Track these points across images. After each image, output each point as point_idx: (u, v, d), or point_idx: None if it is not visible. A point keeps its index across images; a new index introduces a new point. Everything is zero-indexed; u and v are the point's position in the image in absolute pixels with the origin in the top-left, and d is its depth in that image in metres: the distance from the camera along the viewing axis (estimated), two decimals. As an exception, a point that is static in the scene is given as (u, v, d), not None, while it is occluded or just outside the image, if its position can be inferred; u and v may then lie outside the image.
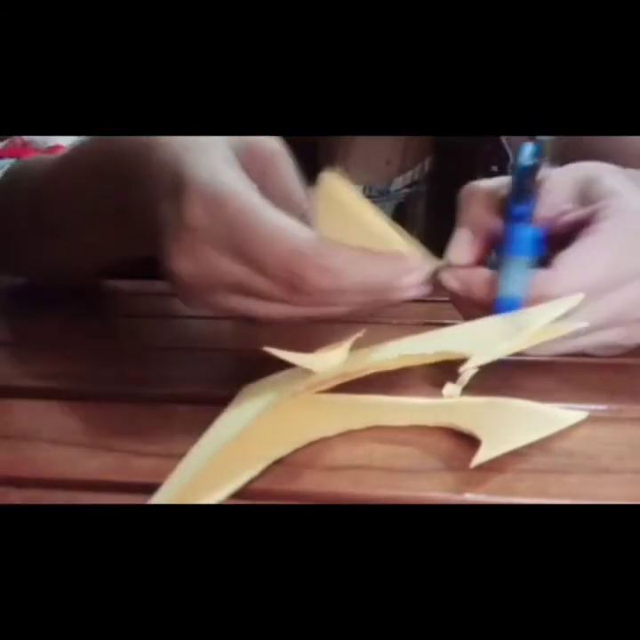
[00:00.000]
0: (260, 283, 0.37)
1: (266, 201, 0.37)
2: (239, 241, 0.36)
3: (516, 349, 0.37)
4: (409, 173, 0.70)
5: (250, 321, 0.39)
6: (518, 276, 0.39)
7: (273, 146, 0.40)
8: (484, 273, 0.40)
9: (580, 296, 0.38)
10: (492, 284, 0.40)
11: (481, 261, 0.42)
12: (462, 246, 0.42)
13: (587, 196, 0.41)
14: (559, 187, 0.41)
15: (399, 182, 0.70)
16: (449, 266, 0.41)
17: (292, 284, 0.36)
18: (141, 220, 0.40)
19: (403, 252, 0.37)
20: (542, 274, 0.39)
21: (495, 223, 0.41)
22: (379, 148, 0.67)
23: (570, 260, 0.38)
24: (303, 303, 0.37)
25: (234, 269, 0.37)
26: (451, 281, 0.40)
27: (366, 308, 0.38)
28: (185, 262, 0.38)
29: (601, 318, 0.39)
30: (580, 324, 0.38)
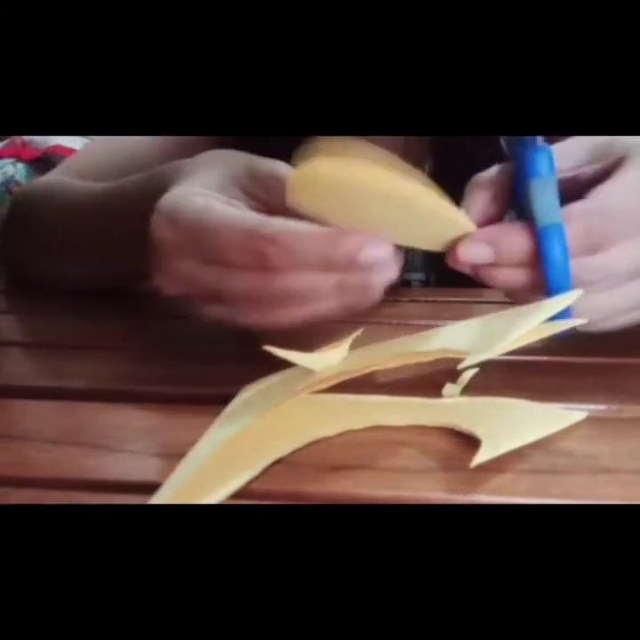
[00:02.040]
0: (231, 279, 0.38)
1: (232, 207, 0.39)
2: (200, 243, 0.38)
3: (515, 347, 0.37)
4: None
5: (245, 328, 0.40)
6: (551, 200, 0.36)
7: (274, 165, 0.43)
8: (508, 225, 0.39)
9: (579, 292, 0.38)
10: (524, 234, 0.37)
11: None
12: (478, 205, 0.41)
13: (605, 154, 0.41)
14: (577, 148, 0.41)
15: None
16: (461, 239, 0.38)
17: (257, 263, 0.37)
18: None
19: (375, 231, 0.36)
20: (578, 204, 0.37)
21: (504, 185, 0.41)
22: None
23: (602, 189, 0.38)
24: (276, 289, 0.37)
25: (207, 274, 0.39)
26: (473, 249, 0.38)
27: (341, 302, 0.38)
28: (165, 279, 0.41)
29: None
30: (579, 321, 0.38)
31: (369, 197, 0.36)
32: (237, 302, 0.39)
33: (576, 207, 0.38)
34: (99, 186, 0.59)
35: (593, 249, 0.38)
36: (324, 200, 0.36)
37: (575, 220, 0.37)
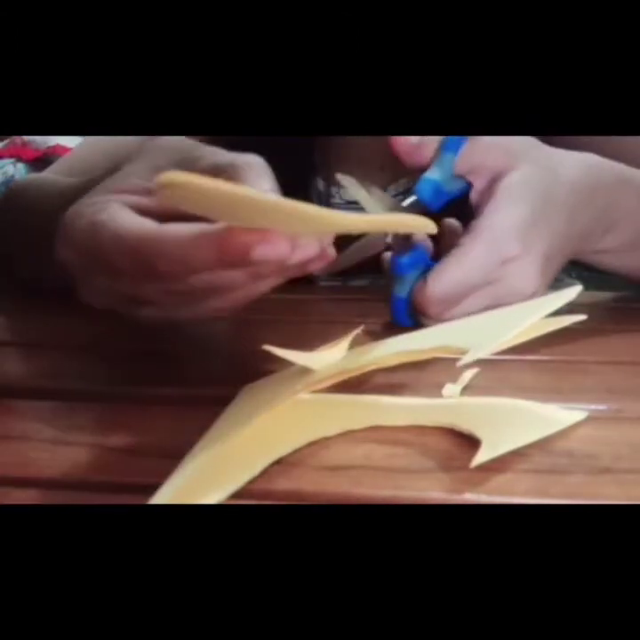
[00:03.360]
0: (142, 288, 0.38)
1: (123, 217, 0.37)
2: (96, 258, 0.38)
3: (513, 343, 0.37)
4: (403, 180, 0.70)
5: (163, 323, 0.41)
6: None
7: (227, 157, 0.40)
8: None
9: (579, 288, 0.38)
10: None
11: None
12: None
13: (492, 187, 0.48)
14: (483, 170, 0.48)
15: (393, 189, 0.70)
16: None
17: (157, 275, 0.36)
18: None
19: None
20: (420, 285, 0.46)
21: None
22: (373, 154, 0.67)
23: (433, 277, 0.46)
24: (189, 290, 0.37)
25: (119, 285, 0.38)
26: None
27: (272, 280, 0.37)
28: (85, 293, 0.41)
29: (459, 316, 0.46)
30: (578, 317, 0.38)
31: (231, 202, 0.32)
32: (161, 304, 0.39)
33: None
34: (68, 181, 0.58)
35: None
36: (192, 202, 0.33)
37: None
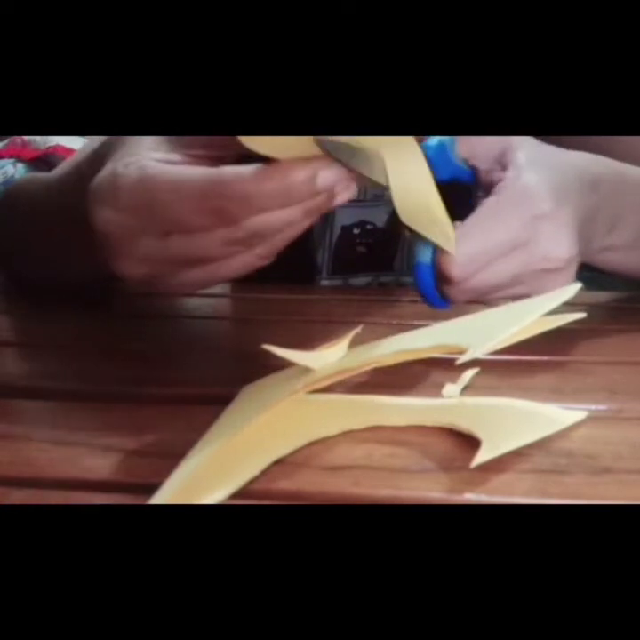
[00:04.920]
0: (198, 243, 0.36)
1: (172, 167, 0.37)
2: (150, 217, 0.36)
3: (512, 342, 0.37)
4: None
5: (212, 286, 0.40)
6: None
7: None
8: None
9: (578, 286, 0.38)
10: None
11: None
12: None
13: (503, 161, 0.45)
14: (484, 150, 0.46)
15: None
16: None
17: (221, 219, 0.35)
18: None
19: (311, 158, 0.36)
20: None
21: None
22: None
23: (456, 237, 0.42)
24: (244, 237, 0.36)
25: (170, 246, 0.37)
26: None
27: (308, 222, 0.37)
28: (125, 264, 0.38)
29: (490, 287, 0.43)
30: (577, 315, 0.38)
31: None
32: (210, 262, 0.38)
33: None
34: (49, 174, 0.57)
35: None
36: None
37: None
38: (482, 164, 0.47)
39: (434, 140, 0.45)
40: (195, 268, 0.38)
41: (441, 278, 0.42)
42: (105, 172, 0.38)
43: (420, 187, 0.40)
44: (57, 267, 0.57)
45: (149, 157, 0.38)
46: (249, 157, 0.36)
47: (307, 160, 0.35)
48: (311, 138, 0.36)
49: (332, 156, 0.36)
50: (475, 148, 0.46)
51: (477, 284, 0.42)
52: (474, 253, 0.42)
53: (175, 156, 0.39)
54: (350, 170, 0.37)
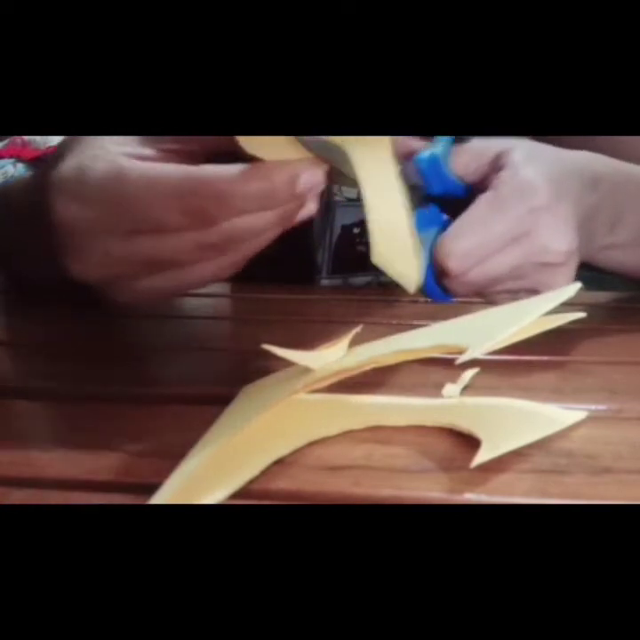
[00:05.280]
0: (166, 244, 0.35)
1: (145, 162, 0.35)
2: (120, 213, 0.34)
3: (512, 341, 0.37)
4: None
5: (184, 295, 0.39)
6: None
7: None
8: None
9: (578, 285, 0.38)
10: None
11: None
12: None
13: (498, 164, 0.45)
14: (476, 165, 0.46)
15: None
16: None
17: (196, 220, 0.34)
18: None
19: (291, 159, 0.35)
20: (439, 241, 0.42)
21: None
22: None
23: (453, 230, 0.42)
24: (217, 241, 0.35)
25: (134, 246, 0.35)
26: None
27: (280, 229, 0.36)
28: (82, 264, 0.36)
29: (489, 280, 0.42)
30: (577, 314, 0.38)
31: None
32: (177, 267, 0.36)
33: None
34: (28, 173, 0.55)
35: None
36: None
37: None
38: (476, 176, 0.46)
39: (426, 154, 0.45)
40: (159, 274, 0.36)
41: (439, 272, 0.42)
42: (68, 165, 0.36)
43: (391, 217, 0.40)
44: (47, 265, 0.56)
45: (118, 151, 0.36)
46: (219, 154, 0.35)
47: (288, 162, 0.35)
48: (295, 137, 0.35)
49: (316, 154, 0.36)
50: (468, 165, 0.46)
51: (476, 277, 0.42)
52: (471, 247, 0.41)
53: (146, 151, 0.37)
54: (335, 168, 0.36)
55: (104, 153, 0.36)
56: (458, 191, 0.46)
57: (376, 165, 0.39)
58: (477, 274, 0.42)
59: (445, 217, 0.44)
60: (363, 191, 0.39)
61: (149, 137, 0.37)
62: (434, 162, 0.45)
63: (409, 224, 0.41)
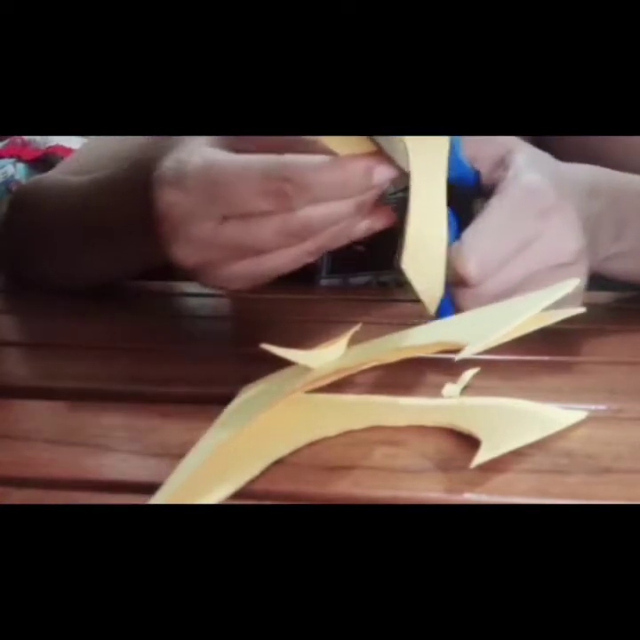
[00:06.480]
0: (254, 228, 0.38)
1: (235, 155, 0.39)
2: (213, 199, 0.38)
3: (512, 337, 0.37)
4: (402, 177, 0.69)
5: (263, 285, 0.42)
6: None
7: None
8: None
9: (576, 281, 0.38)
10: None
11: None
12: None
13: (503, 164, 0.45)
14: (486, 153, 0.46)
15: (392, 186, 0.70)
16: None
17: (279, 204, 0.37)
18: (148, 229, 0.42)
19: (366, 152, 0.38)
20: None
21: None
22: None
23: (469, 237, 0.42)
24: (297, 228, 0.38)
25: (227, 231, 0.39)
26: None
27: (359, 219, 0.40)
28: (182, 249, 0.40)
29: (505, 288, 0.41)
30: (577, 310, 0.38)
31: None
32: (262, 253, 0.39)
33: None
34: (87, 178, 0.58)
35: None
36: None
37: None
38: (484, 167, 0.46)
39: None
40: (245, 259, 0.40)
41: (456, 281, 0.41)
42: (169, 161, 0.41)
43: (433, 230, 0.42)
44: (78, 266, 0.58)
45: (210, 146, 0.40)
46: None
47: (364, 155, 0.38)
48: (367, 137, 0.38)
49: (384, 151, 0.38)
50: (479, 151, 0.46)
51: (493, 288, 0.41)
52: (485, 259, 0.41)
53: (230, 147, 0.40)
54: (400, 166, 0.39)
55: (198, 149, 0.40)
56: (468, 177, 0.46)
57: (430, 170, 0.42)
58: (495, 284, 0.41)
59: (456, 226, 0.43)
60: (411, 193, 0.41)
61: (229, 143, 0.41)
62: (452, 146, 0.45)
63: (446, 242, 0.41)
